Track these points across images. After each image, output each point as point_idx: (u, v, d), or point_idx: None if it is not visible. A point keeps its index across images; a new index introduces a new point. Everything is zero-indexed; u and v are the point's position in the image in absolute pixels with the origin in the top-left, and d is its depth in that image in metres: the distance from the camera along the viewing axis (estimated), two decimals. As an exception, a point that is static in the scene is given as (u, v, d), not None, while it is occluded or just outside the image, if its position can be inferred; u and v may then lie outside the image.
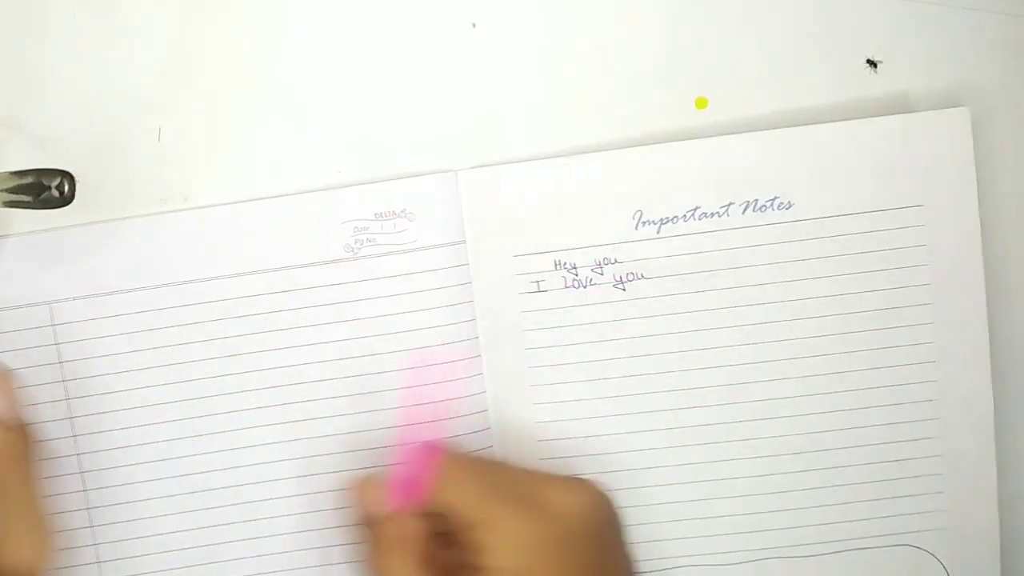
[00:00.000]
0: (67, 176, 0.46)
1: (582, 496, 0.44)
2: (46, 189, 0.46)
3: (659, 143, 0.49)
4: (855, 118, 0.49)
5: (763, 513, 0.51)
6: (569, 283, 0.50)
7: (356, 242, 0.49)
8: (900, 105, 0.50)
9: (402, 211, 0.49)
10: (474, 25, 0.50)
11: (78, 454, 0.50)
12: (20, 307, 0.49)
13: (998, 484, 0.50)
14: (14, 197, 0.46)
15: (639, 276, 0.50)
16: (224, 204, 0.50)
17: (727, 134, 0.49)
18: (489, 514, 0.43)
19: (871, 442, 0.50)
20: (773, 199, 0.49)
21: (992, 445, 0.50)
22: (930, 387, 0.50)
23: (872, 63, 0.50)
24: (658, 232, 0.49)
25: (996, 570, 0.51)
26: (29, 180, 0.46)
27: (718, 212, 0.49)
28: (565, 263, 0.50)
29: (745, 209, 0.49)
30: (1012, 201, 0.51)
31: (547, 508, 0.44)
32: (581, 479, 0.46)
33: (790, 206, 0.49)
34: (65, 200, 0.46)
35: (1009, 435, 0.51)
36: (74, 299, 0.49)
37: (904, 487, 0.50)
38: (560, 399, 0.50)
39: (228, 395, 0.50)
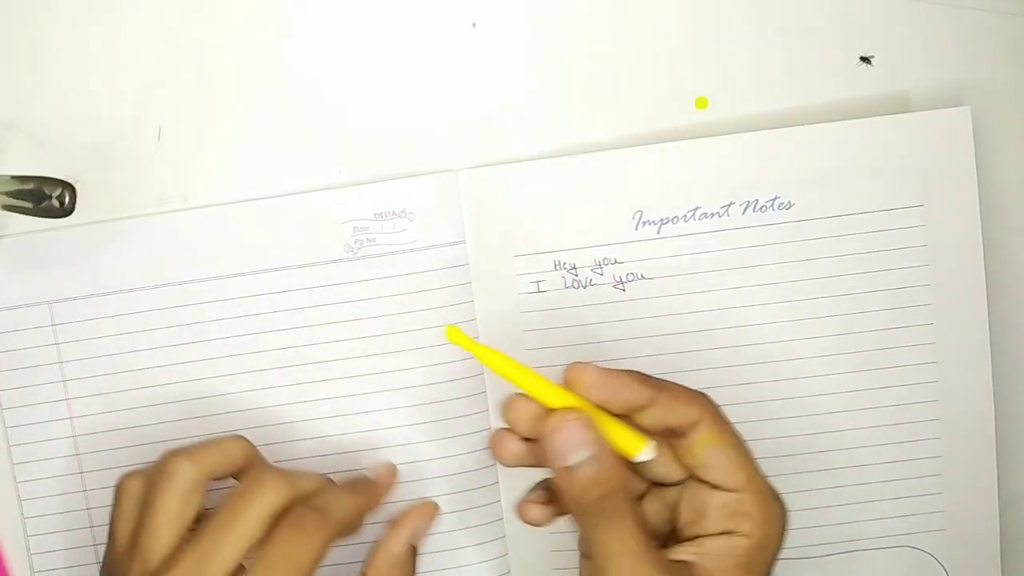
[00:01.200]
0: (68, 187, 0.46)
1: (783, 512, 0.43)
2: (47, 198, 0.46)
3: (659, 143, 0.49)
4: (856, 118, 0.49)
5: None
6: (569, 283, 0.50)
7: (356, 242, 0.49)
8: (901, 105, 0.50)
9: (402, 211, 0.49)
10: (474, 25, 0.50)
11: (78, 454, 0.50)
12: (20, 307, 0.50)
13: (998, 484, 0.50)
14: (14, 202, 0.45)
15: (639, 276, 0.49)
16: (224, 204, 0.50)
17: (727, 134, 0.49)
18: (750, 481, 0.41)
19: (871, 443, 0.50)
20: (774, 199, 0.49)
21: (992, 445, 0.50)
22: (931, 388, 0.50)
23: (865, 59, 0.50)
24: (658, 232, 0.49)
25: (996, 571, 0.51)
26: (31, 187, 0.46)
27: (718, 212, 0.49)
28: (565, 263, 0.50)
29: (745, 209, 0.49)
30: (1013, 201, 0.51)
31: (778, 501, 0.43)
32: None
33: (791, 206, 0.49)
34: (65, 211, 0.46)
35: (1009, 435, 0.51)
36: (74, 299, 0.50)
37: (904, 488, 0.50)
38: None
39: (228, 395, 0.50)
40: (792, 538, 0.50)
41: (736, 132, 0.49)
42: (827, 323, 0.50)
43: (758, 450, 0.50)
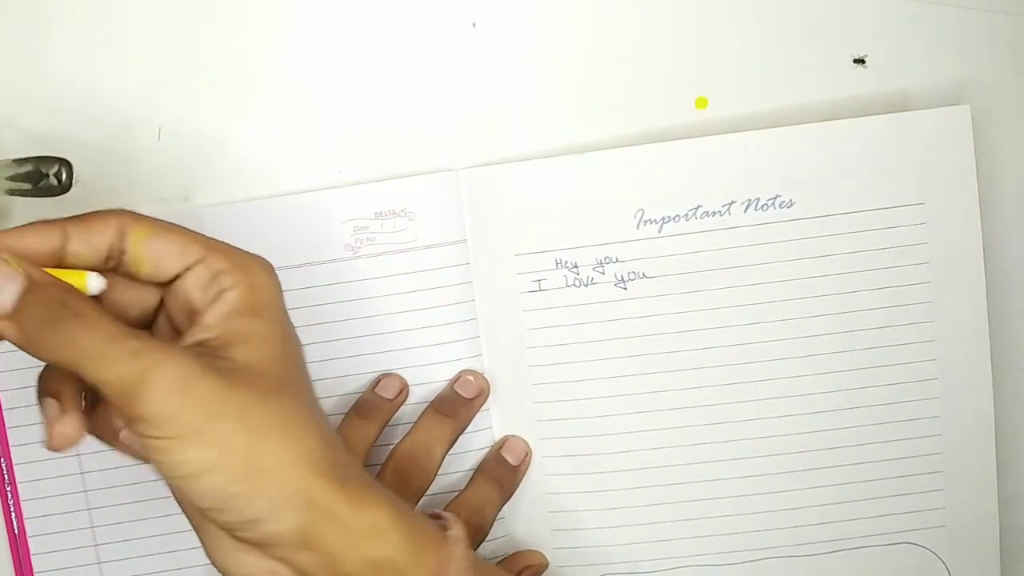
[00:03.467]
0: (65, 163, 0.46)
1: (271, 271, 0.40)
2: (44, 177, 0.46)
3: (662, 142, 0.49)
4: (856, 116, 0.49)
5: (763, 512, 0.51)
6: (570, 282, 0.50)
7: (356, 241, 0.49)
8: (902, 103, 0.50)
9: (402, 210, 0.49)
10: (474, 25, 0.50)
11: (79, 454, 0.50)
12: (20, 307, 0.49)
13: (998, 481, 0.50)
14: (13, 185, 0.46)
15: (641, 275, 0.50)
16: (224, 204, 0.50)
17: (728, 133, 0.49)
18: (206, 248, 0.38)
19: (872, 440, 0.50)
20: (775, 198, 0.49)
21: (992, 442, 0.50)
22: (931, 385, 0.50)
23: (859, 61, 0.50)
24: (660, 231, 0.49)
25: (996, 566, 0.51)
26: (28, 168, 0.46)
27: (720, 211, 0.49)
28: (566, 262, 0.50)
29: (747, 208, 0.49)
30: (1012, 198, 0.51)
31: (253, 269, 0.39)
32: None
33: (791, 204, 0.49)
34: (64, 188, 0.46)
35: (1009, 432, 0.51)
36: (74, 299, 0.49)
37: (905, 485, 0.51)
38: (561, 398, 0.50)
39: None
40: (792, 536, 0.51)
41: (742, 131, 0.49)
42: (828, 321, 0.50)
43: (759, 448, 0.50)
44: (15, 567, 0.51)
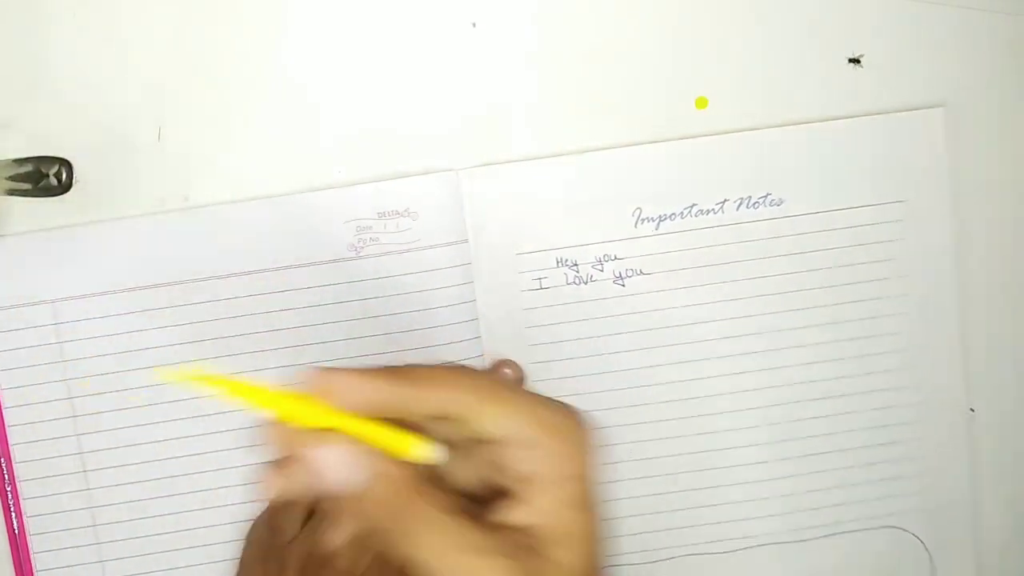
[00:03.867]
0: (65, 164, 0.46)
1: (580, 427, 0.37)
2: (44, 177, 0.46)
3: (658, 142, 0.50)
4: (849, 117, 0.51)
5: (754, 500, 0.52)
6: (571, 280, 0.50)
7: (359, 241, 0.49)
8: (897, 104, 0.51)
9: (405, 210, 0.49)
10: (474, 25, 0.50)
11: (81, 453, 0.50)
12: (23, 306, 0.49)
13: (970, 463, 0.53)
14: (13, 185, 0.46)
15: (638, 272, 0.51)
16: (224, 204, 0.50)
17: (727, 133, 0.50)
18: (530, 431, 0.35)
19: (854, 427, 0.52)
20: (765, 196, 0.51)
21: (964, 428, 0.52)
22: (907, 373, 0.52)
23: (855, 60, 0.51)
24: (657, 229, 0.50)
25: (970, 545, 0.53)
26: (28, 168, 0.46)
27: (713, 209, 0.50)
28: (567, 260, 0.50)
29: (739, 206, 0.51)
30: (993, 195, 0.52)
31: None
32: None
33: (781, 202, 0.51)
34: (64, 187, 0.46)
35: (980, 415, 0.53)
36: (77, 298, 0.49)
37: (885, 471, 0.52)
38: (562, 394, 0.50)
39: (230, 393, 0.50)
40: (777, 522, 0.52)
41: (736, 131, 0.50)
42: (813, 313, 0.51)
43: (747, 437, 0.52)
44: (15, 567, 0.50)
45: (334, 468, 0.34)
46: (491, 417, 0.35)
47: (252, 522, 0.41)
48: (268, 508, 0.40)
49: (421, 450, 0.34)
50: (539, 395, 0.37)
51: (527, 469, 0.35)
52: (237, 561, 0.41)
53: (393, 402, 0.35)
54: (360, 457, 0.34)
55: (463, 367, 0.36)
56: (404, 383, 0.35)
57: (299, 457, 0.34)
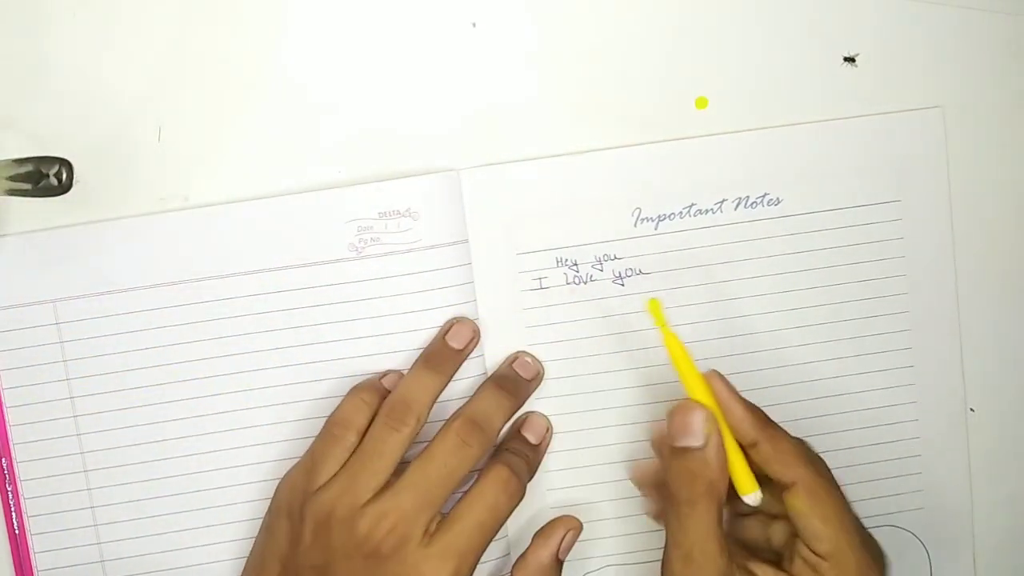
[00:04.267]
0: (65, 164, 0.46)
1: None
2: (44, 177, 0.46)
3: (658, 142, 0.50)
4: (848, 117, 0.51)
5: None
6: (570, 279, 0.51)
7: (360, 241, 0.49)
8: (896, 104, 0.51)
9: (407, 210, 0.49)
10: (474, 25, 0.50)
11: (82, 452, 0.50)
12: (24, 305, 0.49)
13: (970, 464, 0.53)
14: (14, 185, 0.46)
15: (637, 271, 0.51)
16: (224, 204, 0.50)
17: (727, 133, 0.50)
18: (836, 551, 0.43)
19: (853, 426, 0.52)
20: (763, 195, 0.51)
21: (964, 426, 0.52)
22: (907, 372, 0.52)
23: (850, 59, 0.51)
24: (656, 228, 0.50)
25: (969, 544, 0.53)
26: (28, 168, 0.46)
27: (712, 208, 0.51)
28: (567, 260, 0.50)
29: (737, 205, 0.51)
30: (991, 196, 0.52)
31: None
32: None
33: (779, 202, 0.51)
34: (64, 188, 0.46)
35: (980, 415, 0.53)
36: (78, 297, 0.49)
37: (885, 469, 0.52)
38: (562, 393, 0.51)
39: (230, 394, 0.50)
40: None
41: (736, 131, 0.50)
42: (812, 312, 0.51)
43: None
44: (15, 567, 0.50)
45: (688, 425, 0.44)
46: (821, 521, 0.43)
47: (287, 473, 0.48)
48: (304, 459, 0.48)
49: (754, 496, 0.44)
50: (860, 522, 0.45)
51: (802, 562, 0.43)
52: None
53: (740, 439, 0.45)
54: (708, 430, 0.44)
55: (801, 451, 0.45)
56: (759, 431, 0.44)
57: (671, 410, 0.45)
